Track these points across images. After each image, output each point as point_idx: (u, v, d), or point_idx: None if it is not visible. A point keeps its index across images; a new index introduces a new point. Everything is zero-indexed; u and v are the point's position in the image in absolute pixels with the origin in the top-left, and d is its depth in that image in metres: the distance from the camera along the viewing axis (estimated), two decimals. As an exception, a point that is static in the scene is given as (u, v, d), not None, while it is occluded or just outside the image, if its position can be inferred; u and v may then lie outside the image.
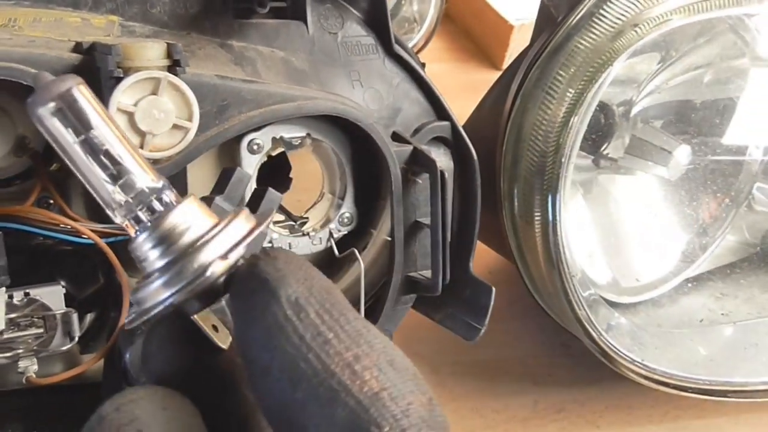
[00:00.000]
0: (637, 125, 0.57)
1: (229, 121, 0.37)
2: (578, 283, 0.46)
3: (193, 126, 0.33)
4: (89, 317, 0.46)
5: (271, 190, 0.36)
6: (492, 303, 0.45)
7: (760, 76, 0.59)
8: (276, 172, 0.48)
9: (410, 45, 0.80)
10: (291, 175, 0.50)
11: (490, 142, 0.52)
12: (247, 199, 0.38)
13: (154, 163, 0.35)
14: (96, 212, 0.43)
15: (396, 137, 0.45)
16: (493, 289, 0.45)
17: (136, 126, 0.32)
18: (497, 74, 0.56)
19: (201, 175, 0.42)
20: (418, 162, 0.43)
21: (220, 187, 0.35)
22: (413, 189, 0.44)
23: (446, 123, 0.47)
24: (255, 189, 0.37)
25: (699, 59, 0.57)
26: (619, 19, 0.47)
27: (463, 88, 0.95)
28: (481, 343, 0.64)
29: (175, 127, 0.33)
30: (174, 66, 0.32)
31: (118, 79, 0.31)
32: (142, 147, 0.32)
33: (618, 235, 0.58)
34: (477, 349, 0.64)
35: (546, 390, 0.59)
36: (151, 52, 0.32)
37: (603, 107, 0.58)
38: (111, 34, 0.40)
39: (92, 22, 0.41)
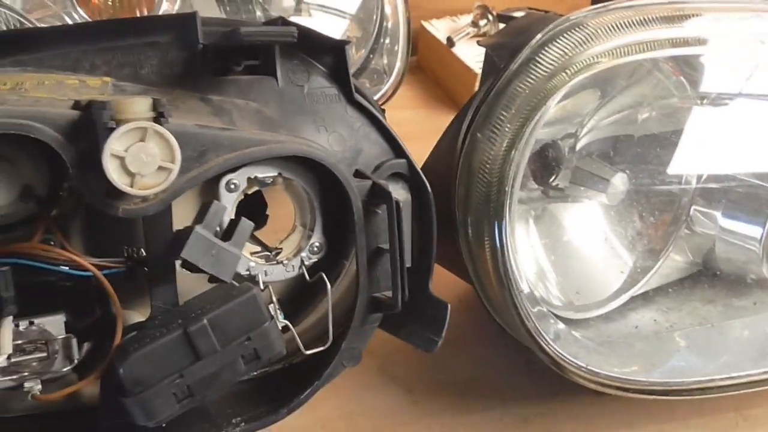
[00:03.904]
0: (582, 158, 0.63)
1: (208, 163, 0.43)
2: (526, 298, 0.51)
3: (176, 167, 0.39)
4: (86, 346, 0.51)
5: (243, 219, 0.42)
6: (448, 317, 0.50)
7: (701, 112, 0.66)
8: (254, 210, 0.53)
9: (380, 94, 0.88)
10: (267, 213, 0.55)
11: (446, 176, 0.58)
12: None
13: (143, 200, 0.40)
14: (93, 250, 0.49)
15: (358, 174, 0.51)
16: (449, 305, 0.50)
17: (127, 168, 0.37)
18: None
19: (185, 211, 0.47)
20: (377, 194, 0.49)
21: (200, 217, 0.40)
22: (374, 219, 0.49)
23: (403, 160, 0.53)
24: (231, 219, 0.42)
25: (633, 98, 0.64)
26: (551, 64, 0.54)
27: (432, 131, 1.03)
28: (453, 364, 0.70)
29: (160, 168, 0.38)
30: (159, 117, 0.38)
31: (111, 130, 0.37)
32: (132, 186, 0.37)
33: (569, 257, 0.64)
34: (449, 371, 0.69)
35: (512, 404, 0.64)
36: (139, 106, 0.38)
37: (551, 143, 0.65)
38: (105, 93, 0.46)
39: (88, 84, 0.47)
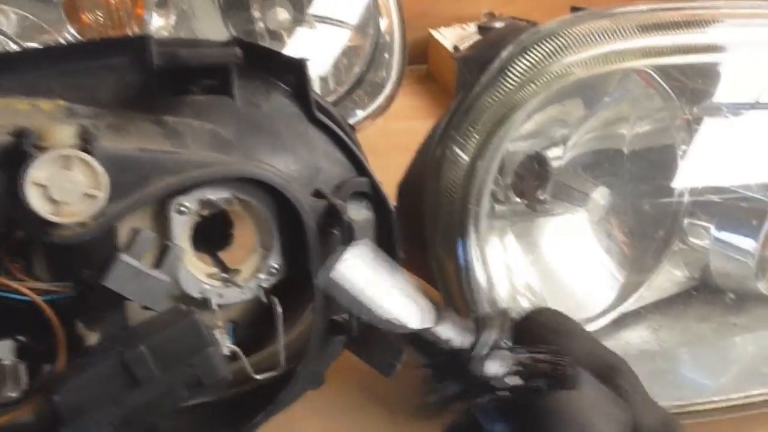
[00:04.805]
0: (562, 172, 0.61)
1: (150, 187, 0.43)
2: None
3: (102, 194, 0.38)
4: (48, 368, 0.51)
5: (174, 245, 0.41)
6: (407, 341, 0.48)
7: (693, 124, 0.63)
8: (217, 231, 0.53)
9: (374, 106, 0.87)
10: (232, 233, 0.55)
11: (421, 192, 0.57)
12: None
13: (80, 226, 0.40)
14: (54, 274, 0.49)
15: (317, 194, 0.50)
16: (409, 328, 0.49)
17: (50, 197, 0.37)
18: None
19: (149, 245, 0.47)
20: (331, 215, 0.48)
21: (126, 245, 0.40)
22: (330, 240, 0.48)
23: (365, 179, 0.51)
24: (164, 245, 0.42)
25: (620, 110, 0.61)
26: (520, 76, 0.52)
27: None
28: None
29: (87, 196, 0.38)
30: (85, 143, 0.38)
31: (34, 157, 0.37)
32: (56, 214, 0.37)
33: (554, 273, 0.62)
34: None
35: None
36: (63, 132, 0.38)
37: (536, 156, 0.63)
38: (56, 117, 0.46)
39: (41, 107, 0.47)
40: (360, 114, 0.84)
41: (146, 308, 0.41)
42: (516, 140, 0.59)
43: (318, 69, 0.91)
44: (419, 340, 0.30)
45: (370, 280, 0.29)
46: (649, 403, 0.28)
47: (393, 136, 1.05)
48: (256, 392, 0.51)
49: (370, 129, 0.96)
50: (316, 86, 0.91)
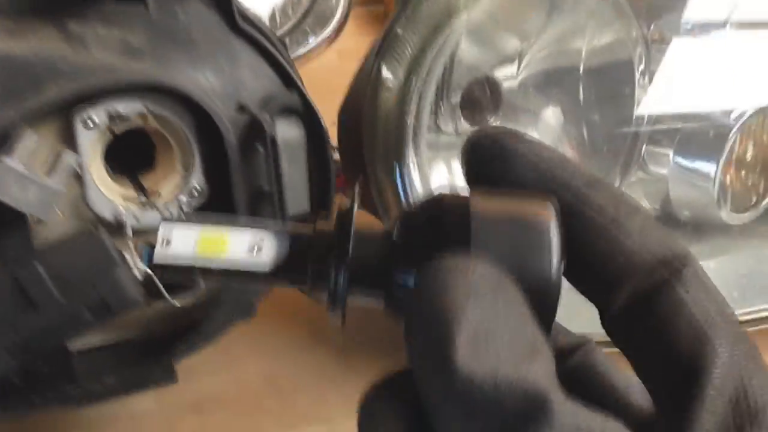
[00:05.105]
0: (513, 92, 0.57)
1: (46, 93, 0.39)
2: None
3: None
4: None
5: (67, 151, 0.37)
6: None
7: (652, 43, 0.59)
8: (138, 153, 0.49)
9: (322, 37, 0.82)
10: (154, 155, 0.51)
11: (358, 113, 0.53)
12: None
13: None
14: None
15: (240, 109, 0.46)
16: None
17: None
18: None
19: (39, 152, 0.43)
20: (255, 130, 0.44)
21: (7, 148, 0.36)
22: (255, 158, 0.45)
23: (294, 94, 0.48)
24: (57, 153, 0.38)
25: (577, 25, 0.57)
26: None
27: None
28: (385, 322, 0.65)
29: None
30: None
31: None
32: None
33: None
34: (382, 330, 0.64)
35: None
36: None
37: (487, 79, 0.59)
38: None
39: (-70, 12, 0.43)
40: (311, 41, 0.80)
41: (38, 220, 0.38)
42: (461, 48, 0.54)
43: (265, 6, 0.87)
44: (290, 268, 0.24)
45: (198, 245, 0.24)
46: (644, 236, 0.21)
47: (347, 75, 1.01)
48: (180, 325, 0.48)
49: (323, 66, 0.92)
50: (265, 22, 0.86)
